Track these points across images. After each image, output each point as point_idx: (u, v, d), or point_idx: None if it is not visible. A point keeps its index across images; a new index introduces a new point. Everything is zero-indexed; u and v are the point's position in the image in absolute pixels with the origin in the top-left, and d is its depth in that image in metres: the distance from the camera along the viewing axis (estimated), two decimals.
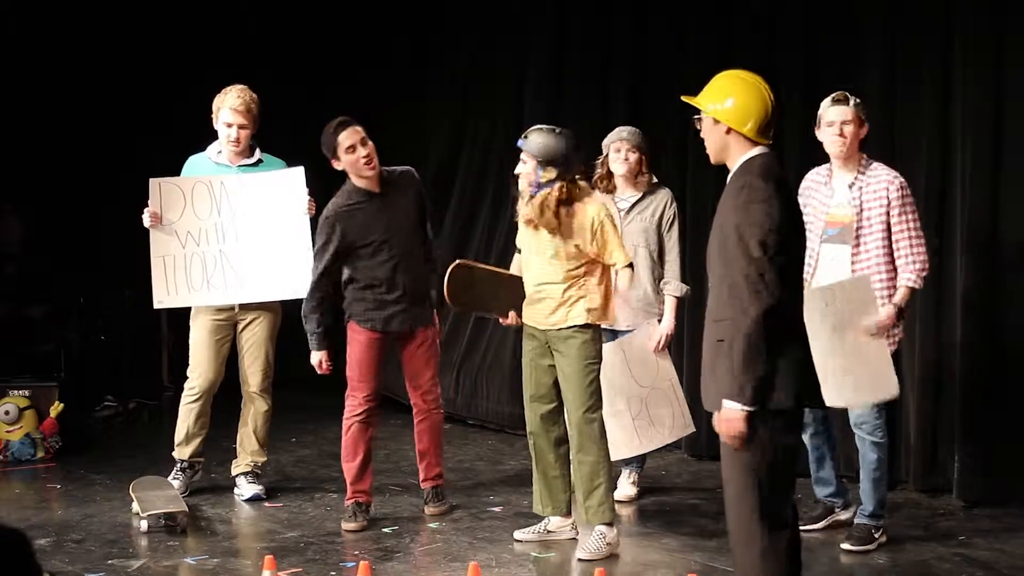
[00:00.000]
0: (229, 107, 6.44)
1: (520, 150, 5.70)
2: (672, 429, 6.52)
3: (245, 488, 6.62)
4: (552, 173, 5.62)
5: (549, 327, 5.72)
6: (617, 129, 6.56)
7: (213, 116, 6.54)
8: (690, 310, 7.56)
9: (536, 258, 5.75)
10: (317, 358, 6.23)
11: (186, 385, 6.62)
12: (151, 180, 6.46)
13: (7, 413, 7.40)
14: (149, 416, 8.53)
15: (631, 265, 5.73)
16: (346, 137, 5.98)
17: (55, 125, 9.10)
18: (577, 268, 5.67)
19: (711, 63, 7.49)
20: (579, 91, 8.12)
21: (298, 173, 6.50)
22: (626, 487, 6.66)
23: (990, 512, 6.34)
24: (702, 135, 4.29)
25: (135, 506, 6.16)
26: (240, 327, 6.60)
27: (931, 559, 5.65)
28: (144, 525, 5.94)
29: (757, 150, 4.17)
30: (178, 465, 6.65)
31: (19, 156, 9.12)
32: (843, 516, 6.03)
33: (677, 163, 7.66)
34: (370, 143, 6.03)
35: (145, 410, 8.60)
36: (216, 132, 6.58)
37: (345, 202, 6.09)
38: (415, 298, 6.16)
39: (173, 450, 6.68)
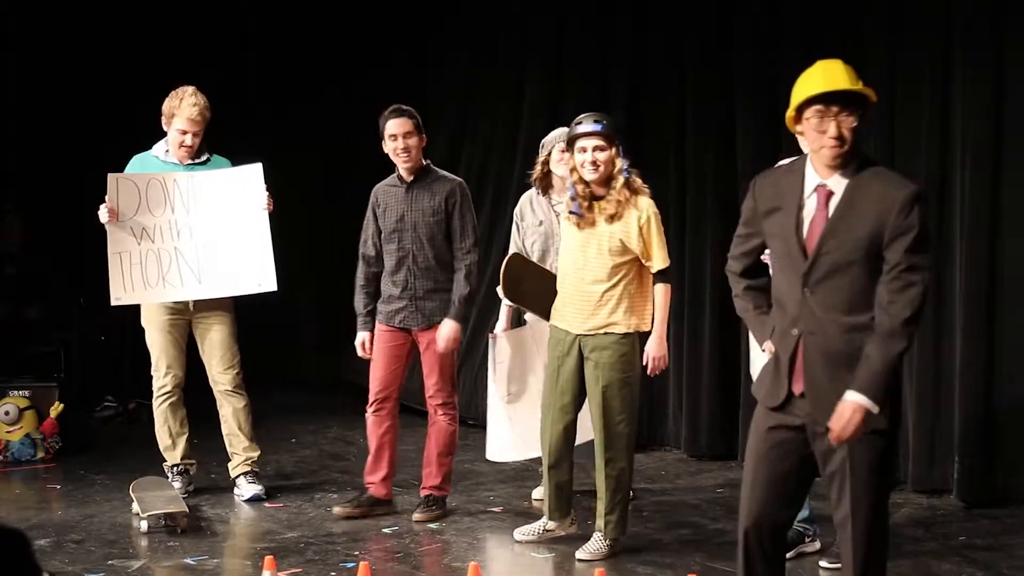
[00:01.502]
0: (186, 116, 6.45)
1: (586, 135, 5.50)
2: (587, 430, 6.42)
3: (245, 488, 6.61)
4: (623, 159, 5.57)
5: (585, 332, 5.58)
6: (561, 130, 6.24)
7: (164, 118, 6.53)
8: (690, 322, 7.55)
9: (578, 254, 5.58)
10: (359, 339, 6.29)
11: (155, 387, 6.60)
12: (109, 175, 6.43)
13: (7, 413, 7.40)
14: (149, 416, 8.50)
15: (666, 272, 5.56)
16: (392, 126, 6.13)
17: (55, 125, 9.09)
18: (622, 265, 5.51)
19: (711, 63, 7.55)
20: (579, 91, 8.11)
21: (256, 170, 6.48)
22: None
23: (990, 512, 6.34)
24: (837, 131, 3.88)
25: (135, 506, 6.16)
26: (196, 329, 6.59)
27: (931, 559, 5.64)
28: (144, 525, 5.94)
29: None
30: (172, 470, 6.63)
31: (19, 156, 9.12)
32: (810, 548, 5.70)
33: (676, 163, 7.66)
34: (415, 138, 6.13)
35: (145, 410, 8.55)
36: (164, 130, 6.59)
37: (386, 183, 6.30)
38: (422, 299, 6.16)
39: (163, 459, 6.67)
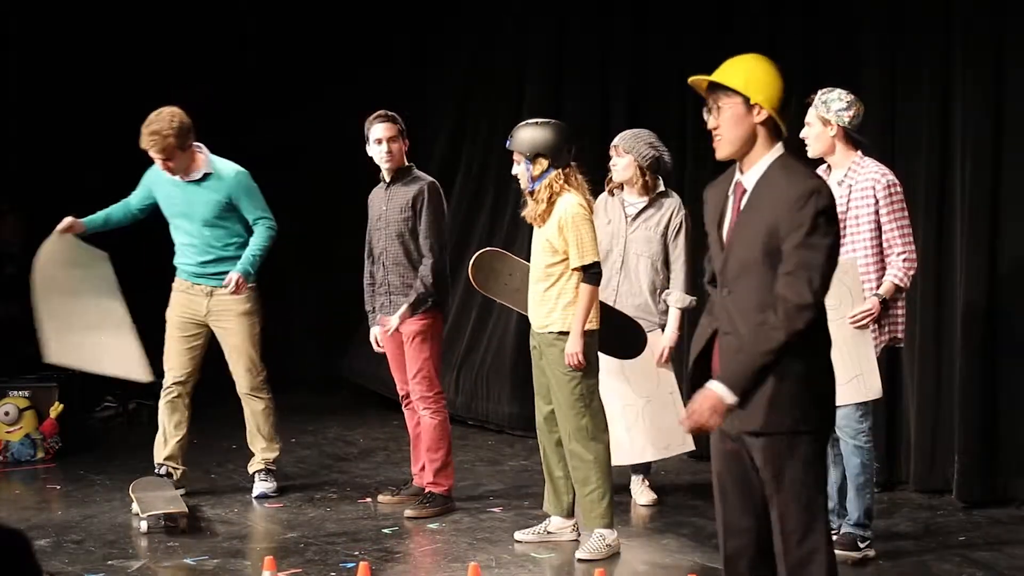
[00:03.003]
0: (143, 147, 6.36)
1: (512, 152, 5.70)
2: (672, 445, 6.40)
3: (256, 485, 6.67)
4: (543, 164, 5.59)
5: (537, 329, 5.72)
6: (624, 132, 6.49)
7: None
8: (691, 321, 7.54)
9: (532, 256, 5.75)
10: (371, 336, 6.52)
11: (163, 382, 6.64)
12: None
13: (7, 414, 7.40)
14: (149, 416, 8.50)
15: (587, 270, 5.55)
16: (378, 131, 6.33)
17: (55, 125, 9.09)
18: (553, 265, 5.61)
19: (711, 63, 7.52)
20: (579, 91, 8.12)
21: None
22: (646, 493, 6.60)
23: (990, 512, 6.34)
24: (716, 122, 3.84)
25: (135, 506, 6.16)
26: (216, 333, 6.60)
27: (931, 559, 5.64)
28: (144, 525, 5.94)
29: (780, 148, 3.83)
30: (156, 470, 6.60)
31: (19, 156, 9.11)
32: (870, 553, 5.68)
33: (676, 164, 7.64)
34: (397, 143, 6.34)
35: (145, 410, 8.59)
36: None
37: (378, 185, 6.49)
38: (394, 295, 6.33)
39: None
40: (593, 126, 7.79)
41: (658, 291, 6.42)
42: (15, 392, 7.52)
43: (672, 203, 6.45)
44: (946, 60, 6.57)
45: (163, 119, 6.32)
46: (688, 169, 7.60)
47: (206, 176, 6.48)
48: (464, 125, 8.99)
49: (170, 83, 9.11)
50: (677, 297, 6.38)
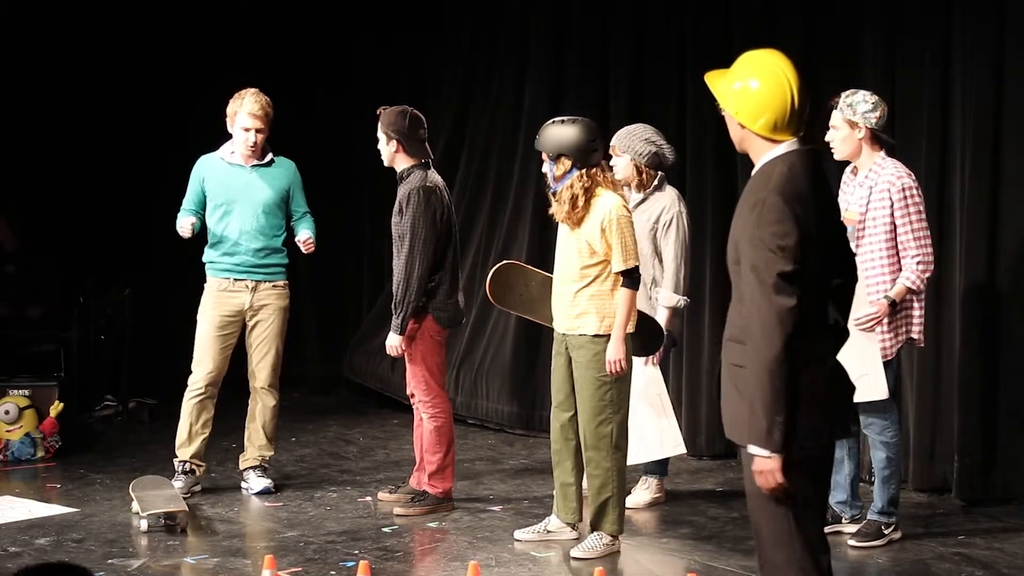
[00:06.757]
0: (247, 112, 6.45)
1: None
2: (661, 446, 6.35)
3: (254, 482, 6.65)
4: (566, 164, 5.53)
5: (565, 331, 5.64)
6: (623, 129, 6.45)
7: (228, 120, 6.54)
8: (690, 321, 7.54)
9: (561, 256, 5.67)
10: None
11: (189, 380, 6.60)
12: None
13: (7, 413, 7.40)
14: (149, 415, 8.52)
15: (630, 273, 5.52)
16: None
17: (54, 124, 9.08)
18: (589, 267, 5.54)
19: (711, 63, 7.52)
20: (579, 91, 8.12)
21: None
22: (650, 492, 6.57)
23: (990, 512, 6.34)
24: (732, 129, 3.79)
25: (135, 505, 6.16)
26: (250, 324, 6.60)
27: (931, 559, 5.65)
28: (144, 524, 5.94)
29: (782, 148, 3.67)
30: (179, 467, 6.63)
31: (14, 156, 9.11)
32: (848, 529, 5.85)
33: (677, 162, 7.64)
34: (381, 143, 6.23)
35: (145, 409, 8.59)
36: (226, 135, 6.61)
37: None
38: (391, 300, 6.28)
39: (175, 452, 6.66)
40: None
41: (649, 287, 6.29)
42: (15, 391, 7.51)
43: (665, 198, 6.32)
44: (946, 59, 6.57)
45: (262, 93, 6.51)
46: (688, 167, 7.60)
47: (271, 162, 6.59)
48: (464, 124, 8.98)
49: (167, 83, 9.13)
50: (665, 296, 6.27)
